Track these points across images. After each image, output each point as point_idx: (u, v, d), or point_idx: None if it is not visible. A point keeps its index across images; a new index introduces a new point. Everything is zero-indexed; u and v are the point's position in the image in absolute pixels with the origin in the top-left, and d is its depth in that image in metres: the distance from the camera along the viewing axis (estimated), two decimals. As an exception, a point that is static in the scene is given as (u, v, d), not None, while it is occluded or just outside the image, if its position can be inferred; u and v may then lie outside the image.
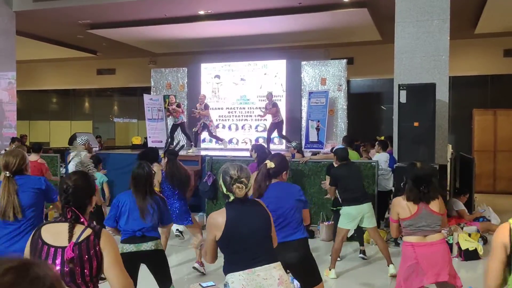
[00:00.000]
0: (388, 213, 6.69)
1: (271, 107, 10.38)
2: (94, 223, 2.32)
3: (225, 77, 12.60)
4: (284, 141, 10.88)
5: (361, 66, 13.66)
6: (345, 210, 5.42)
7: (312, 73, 11.88)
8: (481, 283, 5.15)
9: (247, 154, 8.55)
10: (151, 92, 13.22)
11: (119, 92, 17.58)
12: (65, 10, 10.51)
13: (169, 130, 11.74)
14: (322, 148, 10.64)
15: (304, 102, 11.78)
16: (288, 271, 3.31)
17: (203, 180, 8.24)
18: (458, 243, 6.12)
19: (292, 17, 10.66)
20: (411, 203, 3.59)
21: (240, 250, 2.62)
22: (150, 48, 14.47)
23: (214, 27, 11.70)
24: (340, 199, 5.62)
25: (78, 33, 12.66)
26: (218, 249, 2.72)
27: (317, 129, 11.02)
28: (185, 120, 11.30)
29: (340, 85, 11.56)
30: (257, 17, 10.71)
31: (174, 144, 8.88)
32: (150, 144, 12.39)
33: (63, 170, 9.68)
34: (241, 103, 12.43)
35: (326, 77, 11.72)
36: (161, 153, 5.78)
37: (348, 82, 12.36)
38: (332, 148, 6.50)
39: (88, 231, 2.18)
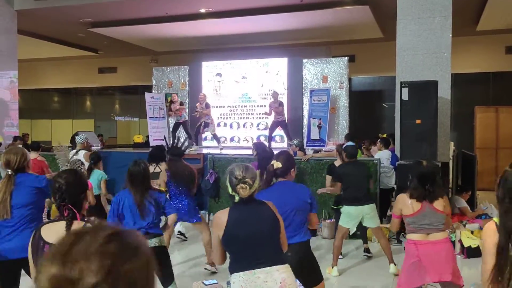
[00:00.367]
0: (390, 211, 6.70)
1: (278, 105, 10.40)
2: (93, 218, 2.34)
3: (226, 75, 12.59)
4: (285, 139, 10.88)
5: (362, 63, 13.63)
6: (345, 209, 5.42)
7: (313, 71, 11.87)
8: (483, 281, 5.15)
9: (249, 152, 8.58)
10: (153, 91, 13.22)
11: (121, 91, 17.58)
12: (66, 8, 10.51)
13: (171, 129, 11.74)
14: (323, 146, 10.64)
15: (306, 100, 11.77)
16: None
17: (205, 178, 8.24)
18: (460, 241, 6.12)
19: (294, 14, 10.64)
20: (415, 201, 3.58)
21: (241, 251, 2.62)
22: (151, 46, 14.47)
23: (215, 25, 11.68)
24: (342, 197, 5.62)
25: (79, 32, 12.66)
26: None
27: (319, 127, 11.02)
28: (188, 119, 11.29)
29: (341, 83, 11.55)
30: (258, 15, 10.69)
31: (177, 142, 8.85)
32: (152, 143, 12.41)
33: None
34: (243, 101, 12.43)
35: (327, 74, 11.71)
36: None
37: (349, 79, 12.36)
38: (342, 145, 6.45)
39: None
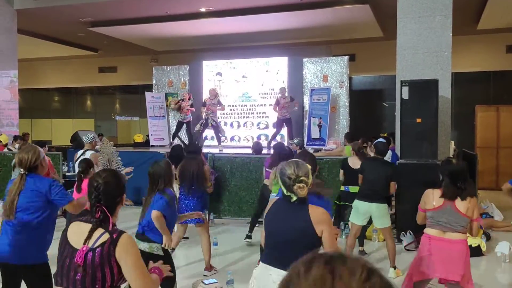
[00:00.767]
0: (391, 210, 6.69)
1: (289, 100, 10.39)
2: (116, 227, 2.18)
3: (226, 74, 12.58)
4: (286, 137, 10.86)
5: (363, 62, 13.61)
6: (354, 203, 5.39)
7: (314, 70, 11.85)
8: (484, 280, 5.16)
9: (249, 151, 8.56)
10: (153, 90, 13.22)
11: (121, 90, 17.57)
12: (66, 8, 10.50)
13: (171, 128, 11.73)
14: (324, 145, 10.63)
15: (306, 99, 11.76)
16: None
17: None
18: (461, 240, 6.10)
19: (294, 14, 10.62)
20: (437, 197, 3.59)
21: (268, 243, 2.63)
22: (151, 46, 14.46)
23: (215, 25, 11.66)
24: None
25: (79, 31, 12.65)
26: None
27: (319, 126, 11.00)
28: (191, 119, 11.26)
29: (342, 82, 11.53)
30: (259, 14, 10.67)
31: (195, 139, 8.76)
32: (152, 142, 12.41)
33: (65, 168, 9.68)
34: (243, 101, 12.41)
35: (328, 74, 11.70)
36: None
37: (350, 78, 12.34)
38: (359, 143, 6.46)
39: (105, 236, 2.06)
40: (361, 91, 13.76)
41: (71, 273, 2.05)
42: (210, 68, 12.75)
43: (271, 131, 11.40)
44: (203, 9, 10.83)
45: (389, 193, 5.52)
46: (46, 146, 7.37)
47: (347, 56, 11.78)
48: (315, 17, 10.94)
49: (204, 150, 9.87)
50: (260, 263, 2.65)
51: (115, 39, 13.31)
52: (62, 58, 16.73)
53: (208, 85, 12.57)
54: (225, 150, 10.04)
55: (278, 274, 2.48)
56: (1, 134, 10.19)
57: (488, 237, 6.62)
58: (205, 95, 12.52)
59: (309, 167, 2.64)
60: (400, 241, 6.40)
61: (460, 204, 3.53)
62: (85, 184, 4.97)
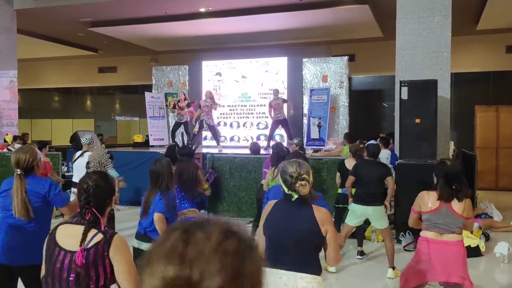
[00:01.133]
0: (390, 210, 6.69)
1: (279, 102, 10.38)
2: (107, 228, 2.20)
3: (226, 74, 12.58)
4: (286, 137, 10.86)
5: (362, 63, 13.62)
6: (352, 207, 5.40)
7: (313, 70, 11.85)
8: (483, 280, 5.15)
9: (249, 151, 8.56)
10: (153, 90, 13.22)
11: (121, 90, 17.57)
12: (66, 8, 10.50)
13: (170, 129, 11.73)
14: (323, 146, 10.62)
15: (306, 99, 11.76)
16: None
17: (204, 178, 8.22)
18: (460, 240, 6.10)
19: (293, 14, 10.62)
20: (433, 199, 3.57)
21: (273, 246, 2.53)
22: (151, 46, 14.46)
23: (215, 25, 11.67)
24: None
25: (79, 31, 12.65)
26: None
27: (319, 126, 11.00)
28: (189, 119, 11.25)
29: (341, 82, 11.53)
30: (258, 14, 10.68)
31: (187, 142, 8.76)
32: (151, 142, 12.42)
33: (64, 169, 9.68)
34: (242, 101, 12.42)
35: (327, 74, 11.70)
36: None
37: (349, 79, 12.34)
38: (356, 145, 6.44)
39: (99, 236, 2.08)
40: (361, 91, 13.76)
41: (64, 275, 2.06)
42: (210, 68, 12.75)
43: (270, 131, 11.40)
44: (202, 9, 10.84)
45: (390, 189, 5.44)
46: (47, 146, 7.35)
47: (346, 56, 11.78)
48: (314, 17, 10.94)
49: (204, 150, 9.88)
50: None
51: (115, 39, 13.32)
52: (62, 58, 16.73)
53: (207, 85, 12.57)
54: (224, 150, 10.04)
55: (289, 276, 2.45)
56: (7, 134, 10.23)
57: (487, 238, 6.63)
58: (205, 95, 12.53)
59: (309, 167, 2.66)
60: (399, 241, 6.40)
61: (457, 206, 3.52)
62: None
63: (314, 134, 11.09)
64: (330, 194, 7.00)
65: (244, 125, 12.38)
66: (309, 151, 8.84)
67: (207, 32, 12.38)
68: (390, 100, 11.39)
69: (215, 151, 9.66)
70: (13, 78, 10.99)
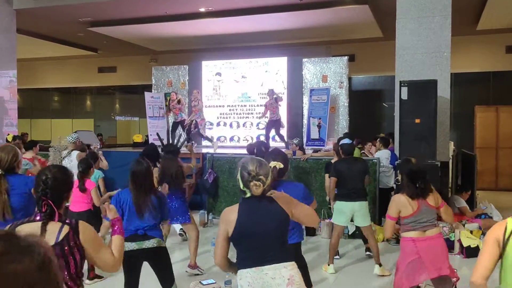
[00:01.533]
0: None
1: (273, 102, 10.37)
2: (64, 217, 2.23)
3: (226, 74, 12.58)
4: (286, 138, 10.85)
5: (362, 63, 13.62)
6: (337, 205, 5.47)
7: (313, 70, 11.85)
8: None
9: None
10: (152, 90, 13.22)
11: (120, 90, 17.57)
12: (66, 8, 10.50)
13: (170, 128, 11.72)
14: (323, 146, 10.62)
15: (305, 99, 11.76)
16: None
17: (204, 178, 8.22)
18: (459, 240, 6.10)
19: (293, 14, 10.62)
20: (411, 200, 3.61)
21: (250, 248, 2.55)
22: (151, 46, 14.46)
23: (215, 25, 11.66)
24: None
25: (79, 31, 12.64)
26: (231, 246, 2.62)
27: (319, 126, 11.00)
28: (186, 118, 11.26)
29: (341, 82, 11.53)
30: (258, 14, 10.67)
31: (175, 141, 8.82)
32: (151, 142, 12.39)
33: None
34: (242, 101, 12.41)
35: (327, 74, 11.70)
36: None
37: (349, 79, 12.34)
38: (339, 140, 6.46)
39: (66, 228, 2.13)
40: (361, 91, 13.76)
41: None
42: (210, 68, 12.75)
43: (270, 131, 11.39)
44: (202, 9, 10.83)
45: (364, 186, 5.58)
46: (38, 146, 7.36)
47: (346, 57, 11.78)
48: (314, 17, 10.94)
49: (204, 150, 9.87)
50: (246, 270, 2.52)
51: (114, 39, 13.31)
52: (61, 58, 16.72)
53: (207, 85, 12.57)
54: (224, 150, 10.03)
55: (274, 269, 2.49)
56: (9, 134, 10.23)
57: (487, 238, 6.61)
58: (205, 95, 12.53)
59: (276, 166, 2.72)
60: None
61: (430, 199, 3.64)
62: (87, 184, 5.01)
63: (314, 134, 11.08)
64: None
65: (244, 125, 12.38)
66: (309, 151, 8.84)
67: (207, 32, 12.38)
68: (390, 100, 11.39)
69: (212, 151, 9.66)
70: (12, 78, 10.98)
